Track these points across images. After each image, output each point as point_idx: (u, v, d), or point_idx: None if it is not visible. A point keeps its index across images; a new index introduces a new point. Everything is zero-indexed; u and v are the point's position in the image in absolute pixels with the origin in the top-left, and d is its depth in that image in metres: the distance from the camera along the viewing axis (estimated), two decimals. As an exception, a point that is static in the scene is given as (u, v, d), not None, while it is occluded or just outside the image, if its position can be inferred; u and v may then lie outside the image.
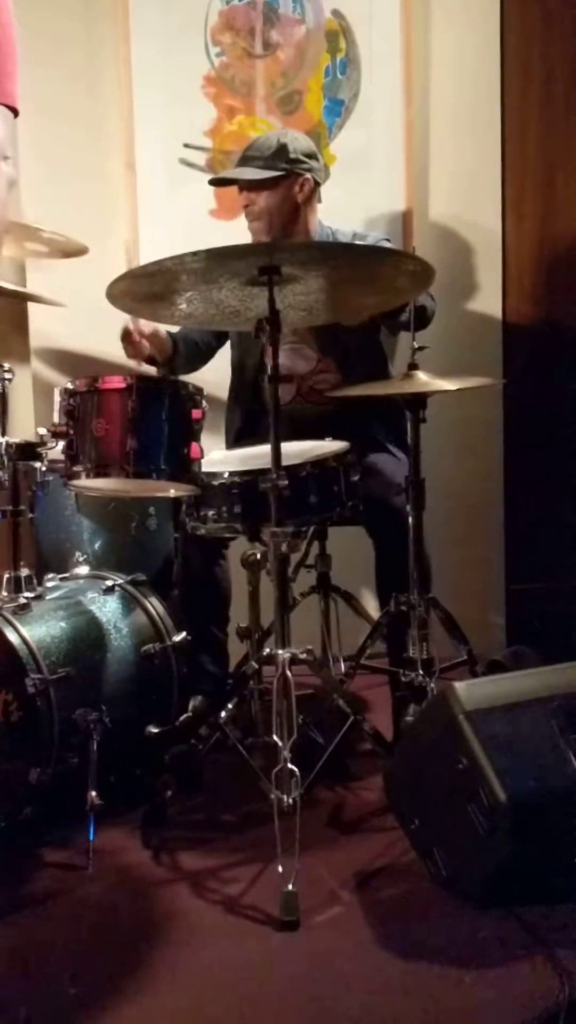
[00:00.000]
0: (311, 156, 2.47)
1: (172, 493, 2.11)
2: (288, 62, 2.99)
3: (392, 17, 2.96)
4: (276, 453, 1.82)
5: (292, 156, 2.43)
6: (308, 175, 2.46)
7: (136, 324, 2.32)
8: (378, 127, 3.01)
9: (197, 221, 2.96)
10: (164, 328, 2.48)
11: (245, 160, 2.47)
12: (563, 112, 3.07)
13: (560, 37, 3.04)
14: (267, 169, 2.43)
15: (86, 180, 2.94)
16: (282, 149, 2.42)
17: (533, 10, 3.03)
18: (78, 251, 2.46)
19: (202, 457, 1.98)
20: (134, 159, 2.95)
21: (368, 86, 3.00)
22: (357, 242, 2.48)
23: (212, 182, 2.57)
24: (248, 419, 2.58)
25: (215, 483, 2.07)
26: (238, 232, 2.59)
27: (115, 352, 2.50)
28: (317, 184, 2.51)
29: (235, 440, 2.63)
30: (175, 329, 2.58)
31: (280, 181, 2.44)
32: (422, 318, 2.34)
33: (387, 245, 2.56)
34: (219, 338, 2.69)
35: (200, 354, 2.68)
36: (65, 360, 2.94)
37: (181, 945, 1.55)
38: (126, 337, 2.40)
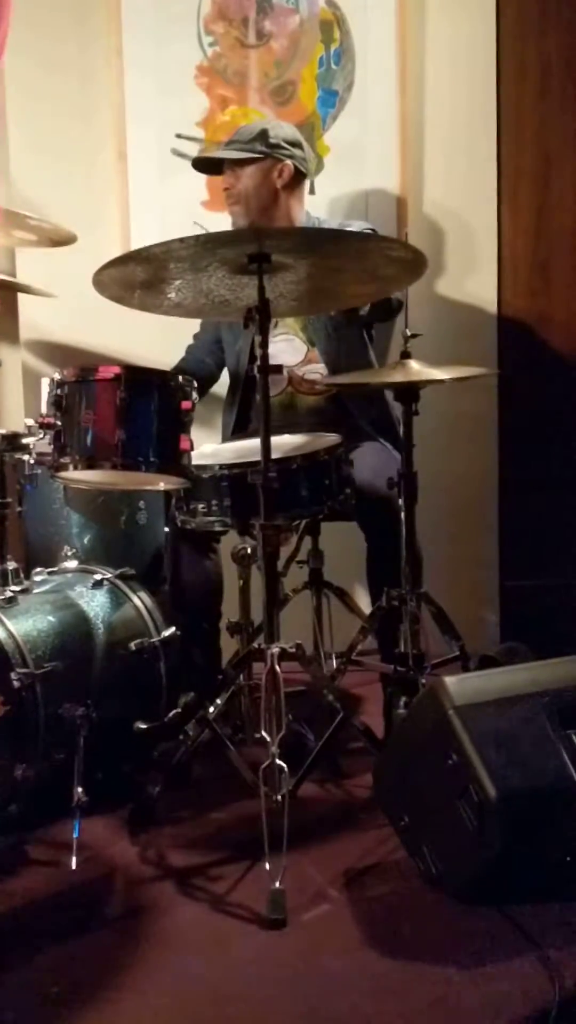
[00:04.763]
0: (294, 144, 2.48)
1: (162, 486, 2.10)
2: (281, 52, 2.97)
3: (387, 6, 2.94)
4: (266, 444, 1.81)
5: (272, 141, 2.45)
6: (288, 161, 2.46)
7: None
8: (373, 118, 2.99)
9: (189, 212, 2.94)
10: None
11: (228, 144, 2.51)
12: (559, 104, 3.05)
13: (557, 28, 3.02)
14: (246, 151, 2.45)
15: (77, 169, 2.92)
16: (262, 134, 2.45)
17: (530, 1, 3.01)
18: (67, 239, 2.43)
19: (192, 450, 1.96)
20: (126, 149, 2.94)
21: (363, 77, 2.98)
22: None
23: (195, 163, 2.59)
24: (242, 412, 2.56)
25: (205, 476, 2.06)
26: (229, 223, 2.57)
27: (106, 342, 2.48)
28: (301, 173, 2.51)
29: (232, 432, 2.62)
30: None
31: (257, 162, 2.45)
32: (387, 309, 2.36)
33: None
34: (219, 362, 2.70)
35: (201, 383, 2.67)
36: (55, 350, 2.92)
37: (166, 944, 1.54)
38: None
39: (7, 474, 2.17)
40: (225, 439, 2.64)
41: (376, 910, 1.61)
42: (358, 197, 2.99)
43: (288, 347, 2.54)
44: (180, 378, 1.96)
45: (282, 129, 2.50)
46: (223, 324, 2.63)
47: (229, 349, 2.66)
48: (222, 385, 2.71)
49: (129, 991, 1.41)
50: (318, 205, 2.61)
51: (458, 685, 1.60)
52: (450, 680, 1.61)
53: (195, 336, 2.72)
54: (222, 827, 1.95)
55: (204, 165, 2.58)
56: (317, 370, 2.52)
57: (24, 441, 2.14)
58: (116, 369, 1.90)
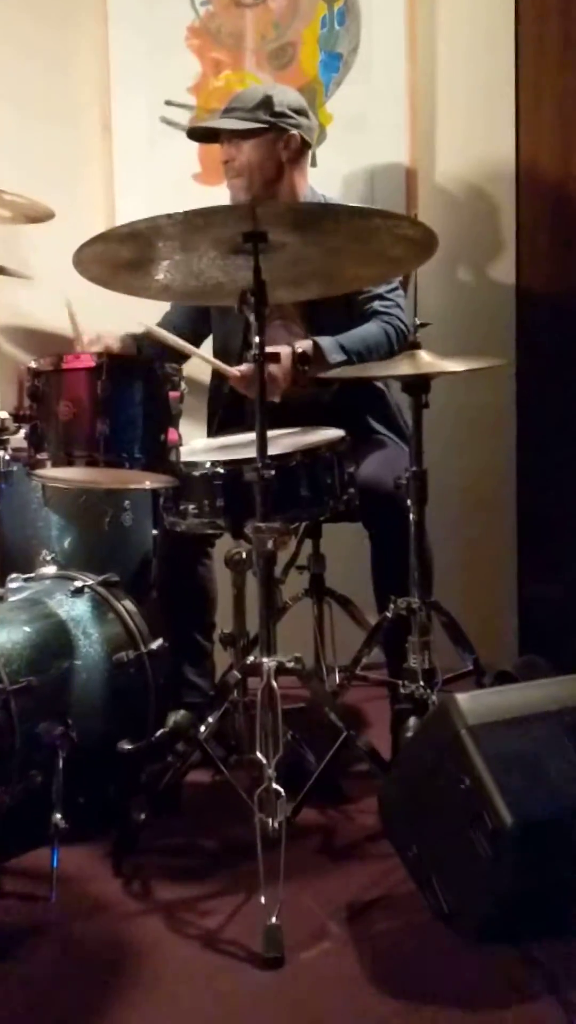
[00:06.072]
0: (300, 112, 2.47)
1: (148, 485, 2.10)
2: (280, 12, 2.98)
3: (395, -39, 2.94)
4: (262, 440, 1.81)
5: (277, 109, 2.43)
6: (295, 131, 2.45)
7: (82, 345, 2.28)
8: (379, 84, 2.99)
9: (180, 186, 2.95)
10: (116, 340, 2.42)
11: (227, 112, 2.48)
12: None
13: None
14: (250, 121, 2.43)
15: (57, 139, 2.93)
16: (266, 101, 2.43)
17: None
18: (44, 215, 2.44)
19: (180, 442, 1.96)
20: (110, 117, 2.94)
21: (369, 39, 2.98)
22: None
23: (190, 133, 2.58)
24: (232, 405, 2.56)
25: (195, 474, 2.06)
26: (226, 198, 2.57)
27: (87, 328, 2.47)
28: (306, 144, 2.50)
29: (218, 429, 2.61)
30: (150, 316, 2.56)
31: (261, 134, 2.44)
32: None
33: None
34: (201, 332, 2.66)
35: (179, 353, 2.66)
36: (32, 337, 2.92)
37: (154, 984, 1.53)
38: None
39: (-20, 472, 2.17)
40: (210, 433, 2.64)
41: (381, 948, 1.61)
42: (363, 170, 2.99)
43: (285, 334, 2.54)
44: (167, 366, 1.96)
45: (287, 95, 2.48)
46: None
47: (217, 328, 2.65)
48: (205, 369, 2.68)
49: (112, 1036, 1.41)
50: (321, 178, 2.60)
51: (471, 702, 1.60)
52: (463, 697, 1.61)
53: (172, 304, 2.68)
54: (214, 857, 1.95)
55: (200, 134, 2.57)
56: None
57: (-2, 436, 2.15)
58: (96, 357, 1.90)
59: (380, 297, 2.49)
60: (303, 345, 2.34)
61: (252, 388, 2.13)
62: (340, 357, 2.35)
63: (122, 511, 2.46)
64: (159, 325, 2.59)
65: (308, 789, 1.86)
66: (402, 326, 2.45)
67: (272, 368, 2.31)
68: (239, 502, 2.01)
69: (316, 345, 2.34)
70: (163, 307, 2.65)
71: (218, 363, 2.43)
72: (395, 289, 2.53)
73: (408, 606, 2.14)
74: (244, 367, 2.32)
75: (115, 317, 2.41)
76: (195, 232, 1.75)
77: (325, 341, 2.36)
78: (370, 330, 2.43)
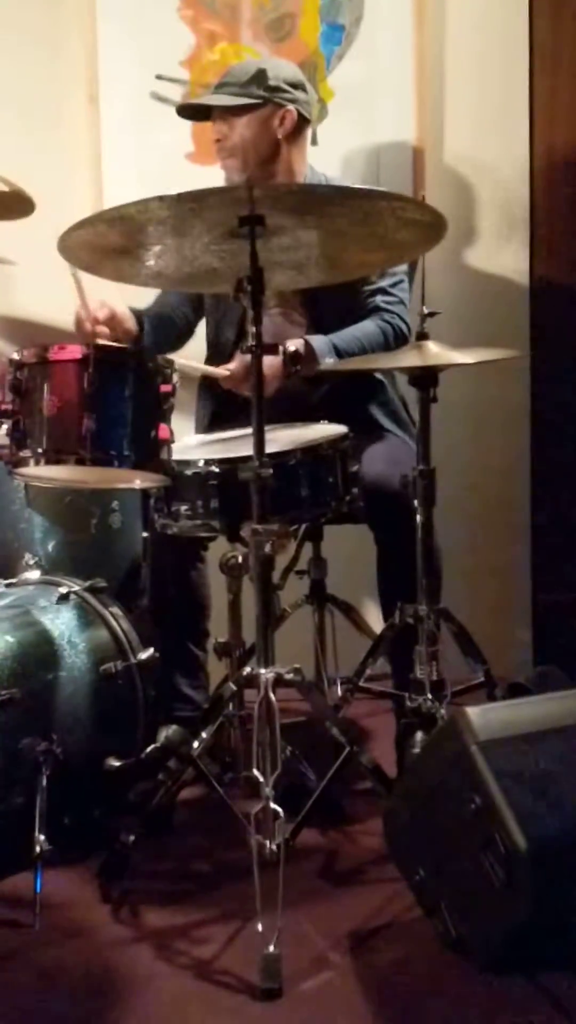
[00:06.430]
0: (296, 86, 2.48)
1: (138, 484, 2.10)
2: (279, -21, 2.98)
3: None
4: (259, 437, 1.81)
5: (272, 83, 2.43)
6: (291, 107, 2.46)
7: (88, 311, 2.29)
8: (384, 57, 3.00)
9: (172, 166, 2.95)
10: (123, 308, 2.44)
11: (219, 88, 2.49)
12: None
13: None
14: (242, 96, 2.44)
15: (40, 116, 2.93)
16: (260, 74, 2.43)
17: None
18: (28, 207, 2.42)
19: (172, 439, 1.96)
20: (98, 92, 2.95)
21: (373, 9, 2.99)
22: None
23: (180, 110, 2.58)
24: (226, 400, 2.56)
25: (188, 473, 2.06)
26: (220, 179, 2.57)
27: (73, 317, 2.47)
28: (304, 120, 2.50)
29: (209, 424, 2.62)
30: (143, 303, 2.56)
31: (255, 109, 2.44)
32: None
33: None
34: (197, 310, 2.69)
35: (176, 331, 2.68)
36: (14, 327, 2.92)
37: (143, 1017, 1.53)
38: (79, 326, 2.35)
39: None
40: (201, 427, 2.64)
41: (386, 978, 1.61)
42: (367, 149, 3.00)
43: (284, 323, 2.54)
44: (159, 358, 1.96)
45: (282, 68, 2.49)
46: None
47: (210, 315, 2.65)
48: (197, 359, 2.68)
49: (98, 1073, 1.42)
50: (321, 157, 2.60)
51: (482, 717, 1.59)
52: (473, 711, 1.60)
53: None
54: (208, 881, 1.95)
55: (191, 111, 2.57)
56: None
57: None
58: (83, 348, 1.89)
59: (384, 292, 2.50)
60: (295, 344, 2.34)
61: (244, 385, 2.14)
62: (332, 359, 2.36)
63: (110, 512, 2.46)
64: (153, 305, 2.63)
65: (308, 809, 1.86)
66: (402, 326, 2.46)
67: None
68: (235, 503, 2.00)
69: (308, 345, 2.35)
70: (150, 293, 2.65)
71: (206, 368, 2.45)
72: (399, 283, 2.53)
73: (415, 613, 2.14)
74: (233, 364, 2.34)
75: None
76: (188, 216, 1.74)
77: (318, 341, 2.37)
78: (367, 330, 2.44)
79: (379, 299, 2.49)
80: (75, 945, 1.73)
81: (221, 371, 2.35)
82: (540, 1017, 1.48)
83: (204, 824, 2.08)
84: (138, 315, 2.53)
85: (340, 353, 2.37)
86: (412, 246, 2.01)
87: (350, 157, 2.99)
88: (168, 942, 1.72)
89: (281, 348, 2.31)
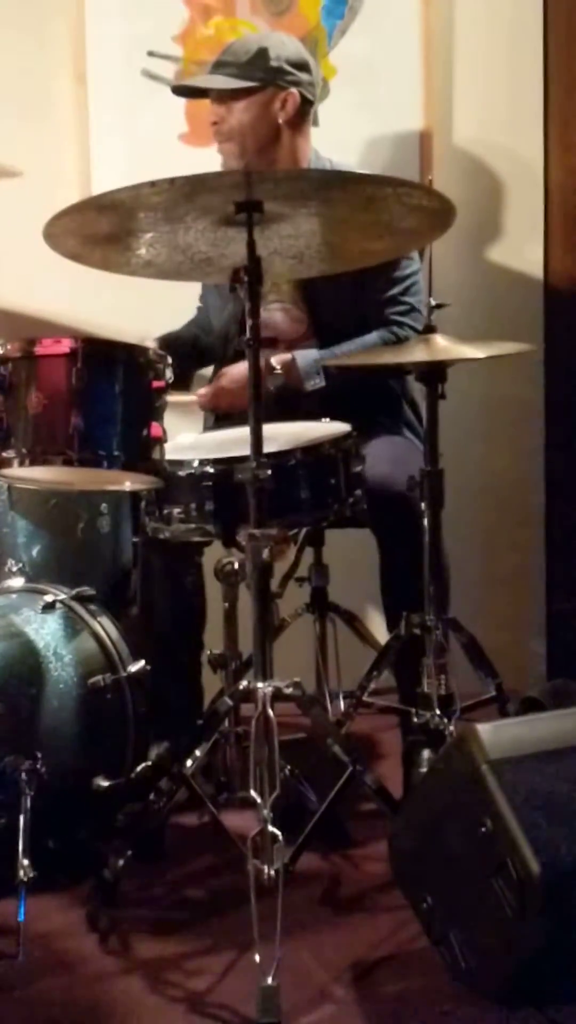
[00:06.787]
0: (300, 66, 2.47)
1: (128, 486, 2.11)
2: (278, -51, 2.99)
3: None
4: (257, 435, 1.81)
5: (274, 64, 2.43)
6: (294, 89, 2.45)
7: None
8: (389, 32, 3.00)
9: (164, 147, 2.96)
10: (150, 341, 2.47)
11: (217, 67, 2.47)
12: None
13: None
14: (241, 78, 2.43)
15: (23, 96, 2.93)
16: (261, 54, 2.42)
17: None
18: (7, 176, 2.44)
19: (165, 438, 1.96)
20: (85, 70, 2.95)
21: (378, -20, 2.99)
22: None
23: (175, 90, 2.59)
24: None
25: (182, 473, 2.06)
26: (216, 162, 2.58)
27: (60, 309, 2.48)
28: (308, 102, 2.50)
29: (215, 425, 2.62)
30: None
31: (255, 93, 2.44)
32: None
33: None
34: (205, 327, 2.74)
35: (196, 354, 2.71)
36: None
37: (132, 1054, 1.53)
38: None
39: None
40: (207, 428, 2.64)
41: (391, 1012, 1.60)
42: (371, 130, 3.00)
43: (283, 317, 2.55)
44: (150, 352, 1.96)
45: (285, 47, 2.47)
46: (209, 284, 2.63)
47: (216, 315, 2.67)
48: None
49: None
50: (322, 139, 2.60)
51: (494, 734, 1.59)
52: (484, 728, 1.60)
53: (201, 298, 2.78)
54: (202, 909, 1.94)
55: (187, 90, 2.58)
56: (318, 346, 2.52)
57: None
58: (71, 342, 1.90)
59: (395, 301, 2.49)
60: (279, 360, 2.35)
61: (220, 403, 2.34)
62: (318, 384, 2.37)
63: (99, 516, 2.46)
64: (189, 325, 2.73)
65: (308, 832, 1.85)
66: (413, 336, 2.44)
67: (223, 381, 2.36)
68: (231, 505, 2.01)
69: (293, 363, 2.35)
70: (167, 299, 2.65)
71: (185, 397, 2.48)
72: (411, 287, 2.52)
73: (422, 623, 2.15)
74: (202, 391, 2.46)
75: (92, 297, 2.42)
76: (182, 202, 1.75)
77: (305, 360, 2.38)
78: (369, 344, 2.44)
79: (390, 312, 2.48)
80: (61, 977, 1.73)
81: (191, 398, 2.42)
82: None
83: (198, 848, 2.08)
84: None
85: (330, 377, 2.39)
86: (418, 234, 2.02)
87: (352, 139, 2.99)
88: (160, 974, 1.72)
89: (264, 362, 2.32)
